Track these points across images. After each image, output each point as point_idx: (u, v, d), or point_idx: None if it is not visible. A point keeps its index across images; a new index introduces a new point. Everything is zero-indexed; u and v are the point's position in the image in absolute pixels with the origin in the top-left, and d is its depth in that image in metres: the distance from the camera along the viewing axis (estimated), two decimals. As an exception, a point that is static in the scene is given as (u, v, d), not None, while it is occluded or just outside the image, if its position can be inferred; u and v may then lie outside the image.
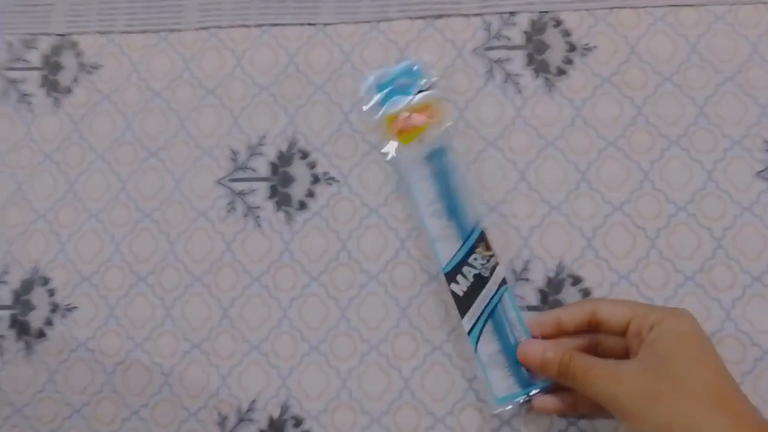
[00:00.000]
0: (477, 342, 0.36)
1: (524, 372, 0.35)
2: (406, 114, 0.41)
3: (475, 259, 0.37)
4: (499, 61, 0.42)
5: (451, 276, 0.37)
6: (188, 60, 0.45)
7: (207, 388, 0.40)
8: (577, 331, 0.34)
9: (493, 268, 0.37)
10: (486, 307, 0.36)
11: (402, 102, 0.41)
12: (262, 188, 0.43)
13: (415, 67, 0.42)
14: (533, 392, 0.35)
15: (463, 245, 0.37)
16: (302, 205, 0.42)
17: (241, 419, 0.39)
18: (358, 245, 0.41)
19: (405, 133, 0.40)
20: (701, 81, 0.40)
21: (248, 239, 0.42)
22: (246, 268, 0.41)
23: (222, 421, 0.39)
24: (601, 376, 0.30)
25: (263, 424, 0.39)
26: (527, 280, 0.39)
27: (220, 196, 0.43)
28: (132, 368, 0.41)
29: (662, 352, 0.30)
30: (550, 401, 0.34)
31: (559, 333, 0.34)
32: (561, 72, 0.42)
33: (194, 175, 0.43)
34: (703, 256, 0.38)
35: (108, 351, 0.42)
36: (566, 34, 0.42)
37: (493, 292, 0.36)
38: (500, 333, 0.36)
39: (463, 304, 0.36)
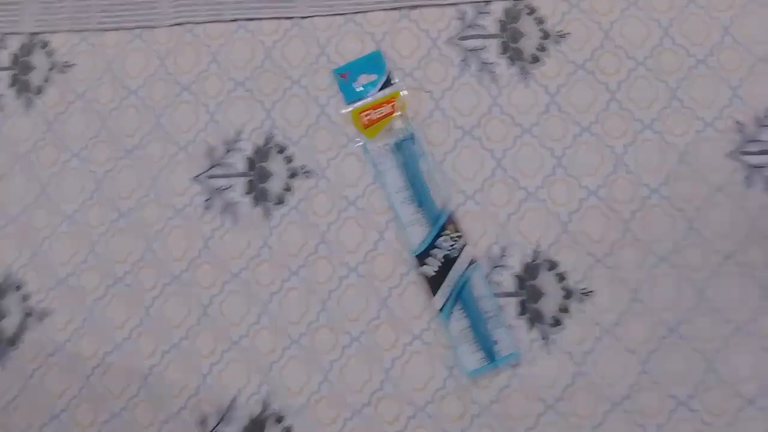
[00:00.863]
0: (448, 319, 0.37)
1: (491, 346, 0.36)
2: (368, 109, 0.41)
3: (444, 240, 0.38)
4: (474, 50, 0.42)
5: (421, 258, 0.38)
6: (163, 57, 0.45)
7: (187, 388, 0.39)
8: None
9: (462, 249, 0.38)
10: (455, 285, 0.37)
11: (367, 96, 0.42)
12: (240, 184, 0.42)
13: (378, 59, 0.42)
14: (500, 365, 0.36)
15: (431, 229, 0.38)
16: (280, 200, 0.42)
17: (222, 417, 0.39)
18: (337, 238, 0.40)
19: (370, 127, 0.41)
20: (674, 65, 0.41)
21: (226, 236, 0.41)
22: (225, 264, 0.41)
23: (203, 420, 0.39)
24: None
25: (245, 421, 0.39)
26: (504, 266, 0.39)
27: (198, 192, 0.42)
28: (110, 371, 0.40)
29: None
30: None
31: None
32: (536, 59, 0.42)
33: (170, 173, 0.43)
34: (676, 237, 0.38)
35: (85, 354, 0.41)
36: (540, 21, 0.42)
37: (461, 272, 0.38)
38: (469, 310, 0.37)
39: (435, 283, 0.38)
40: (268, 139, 0.43)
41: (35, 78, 0.46)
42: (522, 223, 0.39)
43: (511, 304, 0.38)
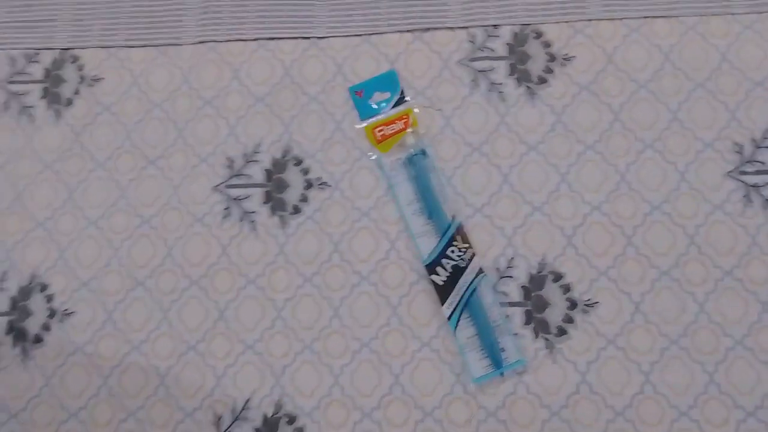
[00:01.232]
0: (456, 326, 0.39)
1: (498, 353, 0.38)
2: (382, 125, 0.43)
3: (452, 251, 0.40)
4: (483, 71, 0.45)
5: (431, 268, 0.40)
6: (186, 73, 0.47)
7: (202, 389, 0.41)
8: None
9: (470, 259, 0.40)
10: (464, 294, 0.39)
11: (380, 113, 0.44)
12: (258, 194, 0.44)
13: (392, 78, 0.44)
14: (506, 372, 0.38)
15: (441, 239, 0.40)
16: (296, 210, 0.43)
17: (236, 418, 0.40)
18: (350, 247, 0.42)
19: (383, 142, 0.43)
20: (674, 88, 0.42)
21: (244, 243, 0.43)
22: (241, 270, 0.43)
23: (217, 421, 0.40)
24: None
25: (258, 422, 0.40)
26: (511, 277, 0.40)
27: (217, 202, 0.44)
28: (129, 371, 0.42)
29: None
30: None
31: None
32: (542, 81, 0.44)
33: (191, 182, 0.45)
34: (677, 252, 0.40)
35: (105, 354, 0.42)
36: (547, 45, 0.44)
37: (470, 281, 0.39)
38: (477, 318, 0.39)
39: (443, 292, 0.39)
40: (286, 152, 0.45)
41: (65, 91, 0.48)
42: (528, 236, 0.41)
43: (518, 314, 0.40)
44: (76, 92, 0.48)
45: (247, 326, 0.42)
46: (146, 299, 0.43)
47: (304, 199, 0.44)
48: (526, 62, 0.44)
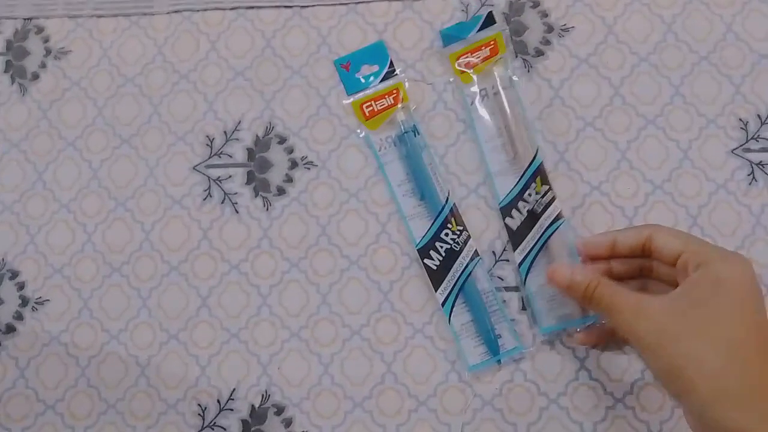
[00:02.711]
0: (450, 313, 0.37)
1: (494, 340, 0.36)
2: (370, 100, 0.41)
3: (446, 234, 0.38)
4: (477, 43, 0.42)
5: (424, 252, 0.38)
6: (161, 44, 0.44)
7: (186, 379, 0.39)
8: (631, 255, 0.33)
9: (465, 242, 0.38)
10: (458, 279, 0.37)
11: (368, 87, 0.41)
12: (239, 174, 0.42)
13: (381, 49, 0.42)
14: (503, 359, 0.37)
15: (434, 222, 0.38)
16: (280, 191, 0.41)
17: (222, 409, 0.39)
18: (338, 230, 0.40)
19: (372, 119, 0.41)
20: (677, 61, 0.41)
21: (225, 226, 0.41)
22: (224, 255, 0.41)
23: (202, 412, 0.39)
24: (626, 309, 0.29)
25: (244, 413, 0.38)
26: (507, 261, 0.39)
27: (196, 183, 0.42)
28: (107, 361, 0.40)
29: (698, 296, 0.28)
30: (588, 336, 0.36)
31: (611, 255, 0.34)
32: (539, 53, 0.41)
33: (168, 162, 0.42)
34: (680, 234, 0.38)
35: (82, 344, 0.40)
36: (544, 15, 0.42)
37: (464, 265, 0.37)
38: (472, 304, 0.37)
39: (437, 277, 0.38)
40: (268, 130, 0.42)
41: (30, 64, 0.45)
42: (524, 217, 0.39)
43: (514, 299, 0.38)
44: (42, 66, 0.45)
45: (231, 314, 0.40)
46: (124, 286, 0.41)
47: (288, 179, 0.41)
48: (522, 33, 0.42)
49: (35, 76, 0.45)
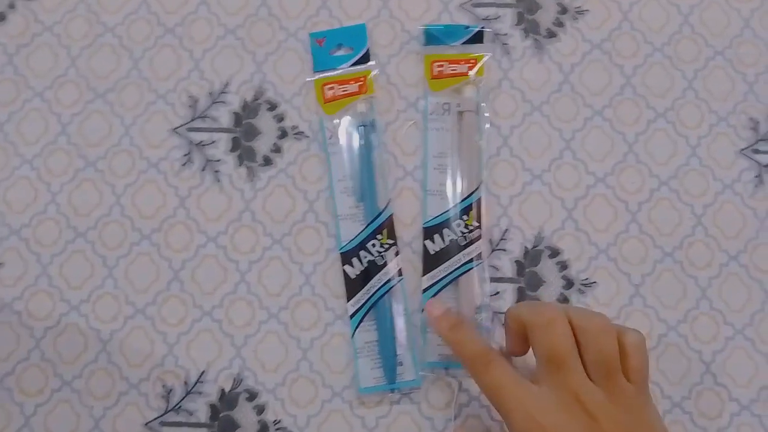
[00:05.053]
0: (356, 328, 0.35)
1: (394, 367, 0.34)
2: (333, 83, 0.38)
3: (374, 245, 0.35)
4: (487, 19, 0.40)
5: (346, 257, 0.36)
6: (145, -6, 0.41)
7: (151, 357, 0.36)
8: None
9: (391, 258, 0.35)
10: (373, 295, 0.35)
11: (337, 69, 0.38)
12: (223, 140, 0.39)
13: (361, 32, 0.39)
14: (396, 390, 0.34)
15: (365, 228, 0.36)
16: (267, 161, 0.38)
17: (189, 392, 0.36)
18: (326, 207, 0.37)
19: (330, 102, 0.38)
20: (691, 54, 0.39)
21: (205, 195, 0.38)
22: (201, 227, 0.38)
23: (167, 394, 0.36)
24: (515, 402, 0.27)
25: (213, 397, 0.36)
26: (504, 250, 0.37)
27: (176, 146, 0.39)
28: (65, 333, 0.37)
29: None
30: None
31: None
32: (551, 34, 0.39)
33: (146, 122, 0.39)
34: (682, 233, 0.37)
35: (38, 314, 0.37)
36: (558, -5, 0.40)
37: (383, 282, 0.35)
38: (381, 324, 0.35)
39: (352, 287, 0.35)
40: (258, 95, 0.39)
41: (-3, 3, 0.41)
42: (525, 206, 0.37)
43: (509, 291, 0.36)
44: (11, 6, 0.41)
45: (205, 290, 0.37)
46: (88, 253, 0.37)
47: (276, 149, 0.38)
48: (535, 12, 0.40)
49: (2, 17, 0.41)
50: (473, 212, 0.35)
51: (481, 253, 0.35)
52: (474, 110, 0.37)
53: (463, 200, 0.36)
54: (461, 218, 0.35)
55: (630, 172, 0.38)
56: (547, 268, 0.36)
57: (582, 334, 0.27)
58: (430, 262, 0.36)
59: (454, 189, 0.36)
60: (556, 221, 0.37)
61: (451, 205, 0.36)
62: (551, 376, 0.27)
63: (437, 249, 0.35)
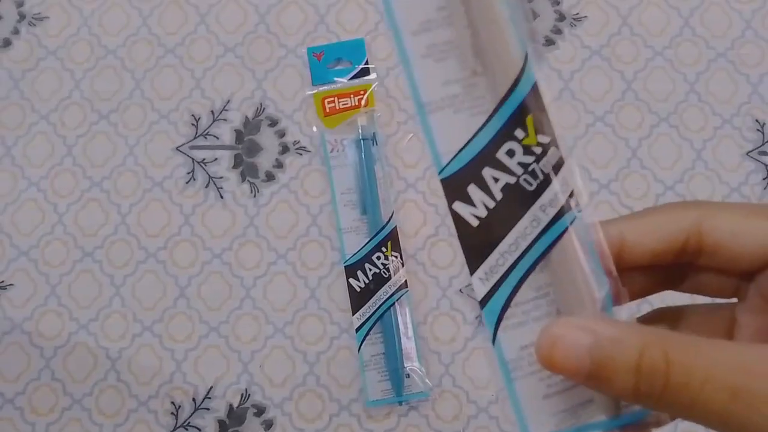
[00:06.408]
0: (362, 341, 0.35)
1: (401, 380, 0.34)
2: (333, 96, 0.38)
3: (378, 257, 0.35)
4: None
5: (351, 270, 0.36)
6: (146, 15, 0.41)
7: (159, 375, 0.36)
8: (657, 263, 0.18)
9: (396, 270, 0.35)
10: (379, 308, 0.35)
11: (337, 82, 0.39)
12: (226, 157, 0.39)
13: (359, 47, 0.39)
14: (404, 402, 0.34)
15: (369, 241, 0.36)
16: (269, 177, 0.39)
17: (197, 408, 0.36)
18: (330, 221, 0.38)
19: (331, 116, 0.38)
20: (693, 56, 0.39)
21: (209, 212, 0.38)
22: (206, 243, 0.38)
23: (176, 411, 0.36)
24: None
25: (221, 413, 0.36)
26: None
27: (179, 164, 0.39)
28: (75, 352, 0.37)
29: None
30: None
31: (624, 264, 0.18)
32: (549, 42, 0.39)
33: (150, 142, 0.39)
34: (691, 238, 0.36)
35: (47, 333, 0.37)
36: (556, 2, 0.40)
37: (389, 294, 0.35)
38: (387, 336, 0.35)
39: (357, 300, 0.35)
40: (259, 111, 0.40)
41: (2, 30, 0.42)
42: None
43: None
44: (15, 32, 0.42)
45: (211, 306, 0.37)
46: (96, 272, 0.38)
47: (278, 165, 0.39)
48: (533, 20, 0.40)
49: (7, 43, 0.41)
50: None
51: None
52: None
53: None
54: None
55: (634, 178, 0.37)
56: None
57: None
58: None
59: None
60: (560, 229, 0.37)
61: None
62: None
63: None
